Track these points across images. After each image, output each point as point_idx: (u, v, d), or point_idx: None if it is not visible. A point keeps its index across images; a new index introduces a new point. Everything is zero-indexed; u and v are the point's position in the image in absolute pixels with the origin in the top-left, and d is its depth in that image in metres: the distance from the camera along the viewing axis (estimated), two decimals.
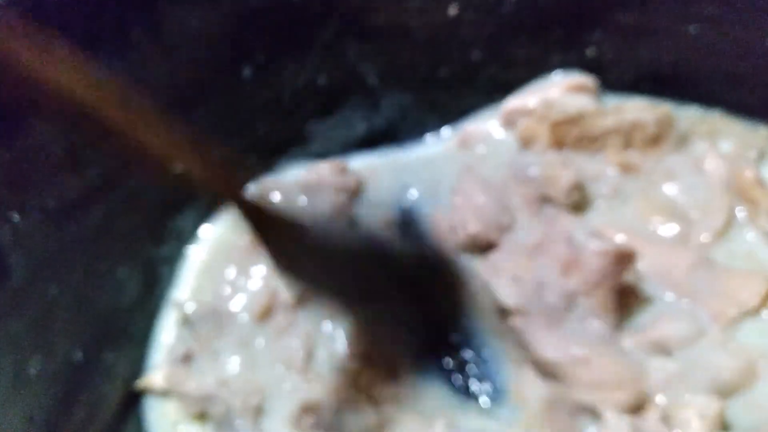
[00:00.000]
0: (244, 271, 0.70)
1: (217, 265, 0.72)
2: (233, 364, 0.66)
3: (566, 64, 0.75)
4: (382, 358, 0.62)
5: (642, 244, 0.63)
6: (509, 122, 0.75)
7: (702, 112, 0.73)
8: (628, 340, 0.59)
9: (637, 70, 0.74)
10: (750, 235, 0.65)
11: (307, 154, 0.79)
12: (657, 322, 0.60)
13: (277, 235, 0.54)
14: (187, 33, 0.66)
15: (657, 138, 0.69)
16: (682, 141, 0.70)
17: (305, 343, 0.65)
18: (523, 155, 0.70)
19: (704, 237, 0.65)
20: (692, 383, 0.56)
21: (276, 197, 0.75)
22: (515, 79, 0.76)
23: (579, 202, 0.67)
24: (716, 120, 0.73)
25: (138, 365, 0.69)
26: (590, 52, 0.74)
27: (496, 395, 0.61)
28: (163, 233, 0.73)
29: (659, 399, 0.56)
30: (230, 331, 0.67)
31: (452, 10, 0.72)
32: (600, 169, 0.69)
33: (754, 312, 0.60)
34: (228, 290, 0.70)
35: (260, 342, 0.66)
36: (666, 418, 0.55)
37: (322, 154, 0.79)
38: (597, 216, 0.68)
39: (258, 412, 0.62)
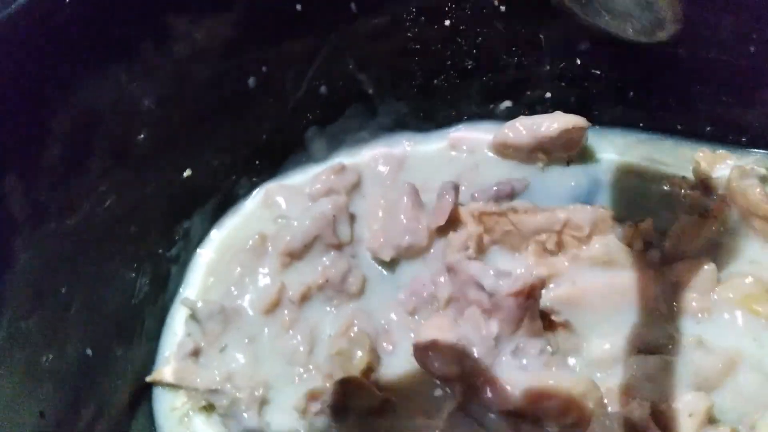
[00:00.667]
0: (250, 271, 0.72)
1: (225, 265, 0.74)
2: (239, 358, 0.67)
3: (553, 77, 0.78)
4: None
5: None
6: (498, 151, 0.78)
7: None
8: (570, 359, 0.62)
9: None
10: None
11: (309, 159, 0.82)
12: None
13: None
14: (194, 46, 0.67)
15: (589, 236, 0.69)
16: None
17: (308, 337, 0.67)
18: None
19: None
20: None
21: (280, 201, 0.78)
22: (507, 89, 0.79)
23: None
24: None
25: (148, 360, 0.70)
26: (580, 61, 0.76)
27: None
28: (174, 235, 0.74)
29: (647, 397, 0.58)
30: (236, 327, 0.69)
31: (447, 23, 0.75)
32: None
33: None
34: (234, 289, 0.71)
35: (265, 337, 0.68)
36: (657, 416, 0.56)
37: (323, 159, 0.81)
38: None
39: (263, 403, 0.64)
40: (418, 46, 0.77)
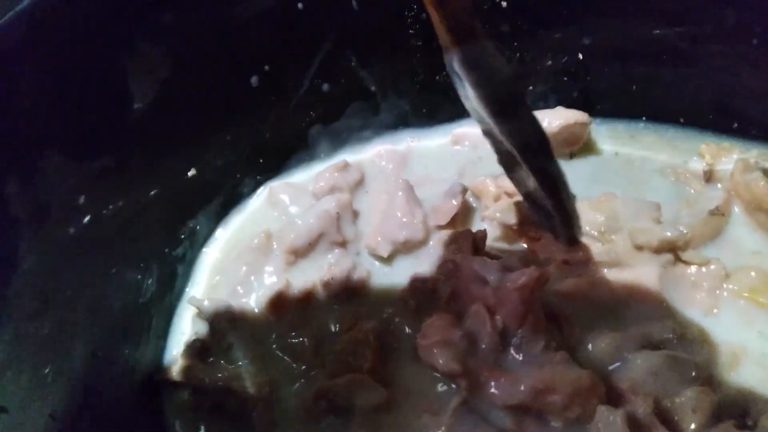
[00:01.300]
0: (255, 270, 0.72)
1: (231, 264, 0.74)
2: (246, 356, 0.67)
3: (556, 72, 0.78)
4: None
5: None
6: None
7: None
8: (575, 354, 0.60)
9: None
10: None
11: (313, 157, 0.82)
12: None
13: None
14: (196, 45, 0.68)
15: None
16: None
17: (314, 335, 0.67)
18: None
19: None
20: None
21: (284, 199, 0.78)
22: None
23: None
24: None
25: (156, 360, 0.70)
26: (581, 57, 0.77)
27: None
28: (179, 234, 0.74)
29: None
30: (243, 325, 0.69)
31: None
32: None
33: None
34: (240, 288, 0.72)
35: (271, 335, 0.68)
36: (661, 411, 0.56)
37: (326, 157, 0.82)
38: None
39: (270, 402, 0.64)
40: (419, 43, 0.77)
